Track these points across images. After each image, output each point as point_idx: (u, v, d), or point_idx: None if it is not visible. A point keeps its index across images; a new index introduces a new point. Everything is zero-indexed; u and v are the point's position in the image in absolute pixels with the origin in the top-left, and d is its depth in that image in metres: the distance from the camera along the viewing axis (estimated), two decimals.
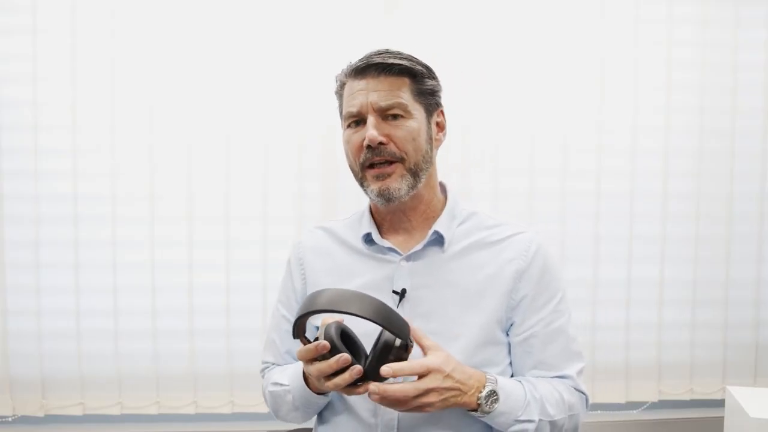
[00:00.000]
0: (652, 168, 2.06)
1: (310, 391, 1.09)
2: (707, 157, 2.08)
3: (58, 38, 1.89)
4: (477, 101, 1.98)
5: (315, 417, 1.23)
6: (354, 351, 0.96)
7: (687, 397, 2.12)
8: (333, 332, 0.95)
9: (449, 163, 1.97)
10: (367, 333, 0.99)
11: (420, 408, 0.97)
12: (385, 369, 0.93)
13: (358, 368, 0.93)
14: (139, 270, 1.94)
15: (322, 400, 1.11)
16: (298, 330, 0.96)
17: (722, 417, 1.71)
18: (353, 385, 0.95)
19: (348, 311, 0.89)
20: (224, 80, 1.93)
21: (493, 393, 1.02)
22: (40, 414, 1.94)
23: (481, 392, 1.01)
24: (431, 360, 0.97)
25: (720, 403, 1.89)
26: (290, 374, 1.14)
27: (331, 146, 1.96)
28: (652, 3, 2.03)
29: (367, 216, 1.19)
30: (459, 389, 0.99)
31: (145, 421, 1.99)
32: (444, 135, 1.19)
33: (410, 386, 0.95)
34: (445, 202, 1.20)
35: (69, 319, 1.93)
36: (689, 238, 2.09)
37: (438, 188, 1.20)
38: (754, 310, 2.12)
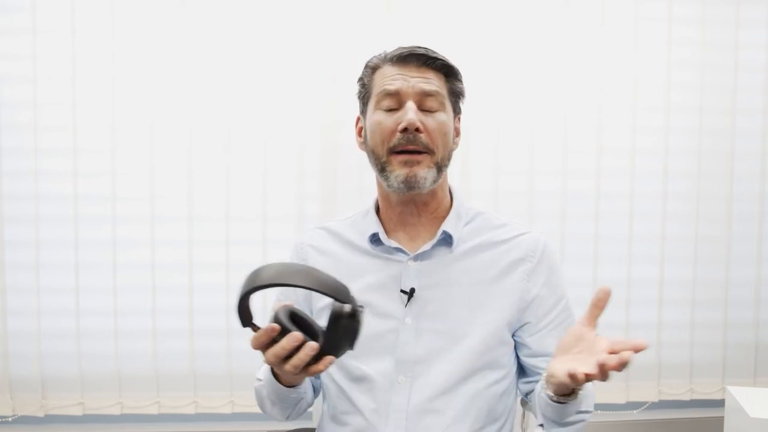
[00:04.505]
0: (652, 168, 2.06)
1: (279, 384, 1.07)
2: (707, 157, 2.08)
3: (58, 38, 1.89)
4: (477, 101, 1.98)
5: (320, 418, 1.23)
6: (309, 331, 0.93)
7: (687, 397, 2.12)
8: (281, 314, 0.93)
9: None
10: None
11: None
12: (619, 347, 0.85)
13: (312, 344, 0.90)
14: (139, 270, 1.93)
15: (294, 393, 1.10)
16: (245, 316, 0.93)
17: (722, 417, 1.71)
18: (314, 364, 0.92)
19: (289, 283, 0.88)
20: (224, 80, 1.93)
21: None
22: (40, 414, 1.94)
23: None
24: None
25: (720, 403, 1.89)
26: (264, 368, 1.13)
27: (331, 146, 1.96)
28: (652, 3, 2.03)
29: (372, 215, 1.19)
30: None
31: (145, 421, 1.99)
32: (458, 141, 1.19)
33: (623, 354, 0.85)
34: (452, 203, 1.20)
35: (69, 319, 1.93)
36: (689, 238, 2.09)
37: (448, 188, 1.21)
38: (754, 310, 2.12)
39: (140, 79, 1.91)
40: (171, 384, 1.97)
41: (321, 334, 0.93)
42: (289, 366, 0.91)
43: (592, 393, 1.09)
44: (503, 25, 1.99)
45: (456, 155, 1.94)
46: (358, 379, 1.12)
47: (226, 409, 1.98)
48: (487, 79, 1.98)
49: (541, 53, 2.00)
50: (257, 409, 1.94)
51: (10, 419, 1.93)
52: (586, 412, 1.06)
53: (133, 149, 1.93)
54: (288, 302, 0.96)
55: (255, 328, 0.94)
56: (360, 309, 0.91)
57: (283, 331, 0.91)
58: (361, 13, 1.95)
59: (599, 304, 0.94)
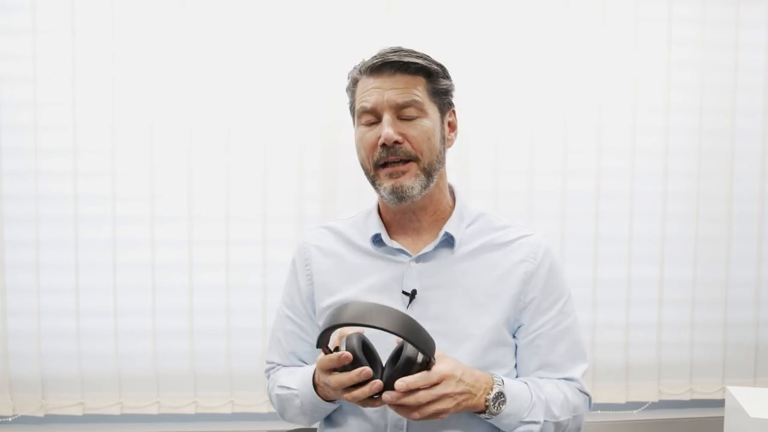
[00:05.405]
0: (652, 168, 2.06)
1: (319, 398, 1.08)
2: (707, 157, 2.08)
3: (58, 38, 1.89)
4: (477, 101, 1.98)
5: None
6: (372, 363, 0.95)
7: (687, 397, 2.12)
8: (355, 344, 0.94)
9: (449, 163, 1.97)
10: (376, 337, 0.98)
11: (435, 415, 0.97)
12: (399, 384, 0.93)
13: (378, 383, 0.93)
14: (139, 270, 1.94)
15: (330, 407, 1.11)
16: (321, 341, 0.95)
17: (722, 417, 1.70)
18: (370, 398, 0.95)
19: (376, 325, 0.88)
20: (224, 80, 1.93)
21: (500, 395, 1.02)
22: (40, 414, 1.94)
23: (489, 394, 1.02)
24: (443, 368, 0.97)
25: (720, 403, 1.89)
26: (298, 379, 1.14)
27: (331, 146, 1.96)
28: (652, 2, 2.03)
29: (374, 216, 1.19)
30: (470, 392, 1.00)
31: (145, 421, 1.99)
32: (455, 134, 1.19)
33: (424, 393, 0.95)
34: (454, 203, 1.20)
35: (69, 319, 1.93)
36: (689, 238, 2.09)
37: (447, 189, 1.20)
38: (754, 310, 2.12)
39: (140, 79, 1.91)
40: (171, 384, 1.97)
41: (381, 368, 0.96)
42: (349, 396, 0.95)
43: (543, 402, 1.08)
44: (503, 25, 1.99)
45: (456, 155, 1.97)
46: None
47: (226, 409, 1.98)
48: (487, 79, 1.98)
49: (541, 53, 2.00)
50: (257, 409, 1.98)
51: (10, 419, 1.93)
52: (534, 422, 1.06)
53: (133, 149, 1.93)
54: (360, 329, 0.97)
55: (327, 350, 0.96)
56: (433, 361, 0.95)
57: (354, 361, 0.93)
58: (361, 13, 1.95)
59: None
